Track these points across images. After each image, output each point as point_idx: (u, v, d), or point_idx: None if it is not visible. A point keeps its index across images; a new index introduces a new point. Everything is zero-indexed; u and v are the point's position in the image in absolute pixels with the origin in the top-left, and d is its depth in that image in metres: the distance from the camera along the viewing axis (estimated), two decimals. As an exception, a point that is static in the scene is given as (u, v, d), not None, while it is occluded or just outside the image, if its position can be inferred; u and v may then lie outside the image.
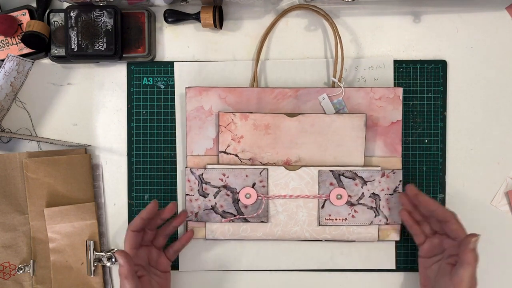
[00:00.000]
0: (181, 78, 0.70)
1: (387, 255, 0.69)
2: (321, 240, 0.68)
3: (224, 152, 0.66)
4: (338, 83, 0.65)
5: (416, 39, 0.69)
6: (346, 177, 0.65)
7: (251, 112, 0.65)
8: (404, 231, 0.67)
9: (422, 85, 0.69)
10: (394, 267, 0.69)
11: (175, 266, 0.70)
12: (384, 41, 0.69)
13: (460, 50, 0.69)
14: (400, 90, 0.65)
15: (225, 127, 0.65)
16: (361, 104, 0.65)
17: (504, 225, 0.69)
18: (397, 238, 0.68)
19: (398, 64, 0.69)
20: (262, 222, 0.66)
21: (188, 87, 0.66)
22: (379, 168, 0.65)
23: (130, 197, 0.71)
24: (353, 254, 0.69)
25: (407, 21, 0.69)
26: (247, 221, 0.66)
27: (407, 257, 0.69)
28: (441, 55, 0.69)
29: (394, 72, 0.69)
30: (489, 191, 0.69)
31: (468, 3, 0.68)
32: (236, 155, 0.66)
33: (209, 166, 0.66)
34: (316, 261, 0.69)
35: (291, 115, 0.65)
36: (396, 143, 0.66)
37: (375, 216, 0.66)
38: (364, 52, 0.69)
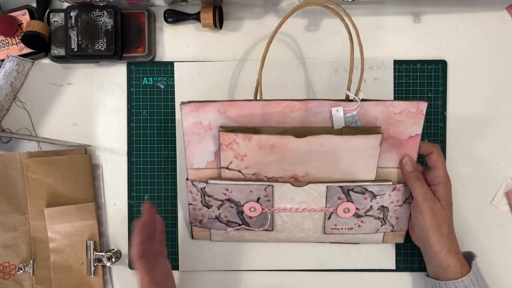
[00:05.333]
0: (181, 78, 0.70)
1: (387, 255, 0.69)
2: (326, 243, 0.68)
3: (227, 168, 0.62)
4: (355, 97, 0.58)
5: (416, 39, 0.69)
6: (355, 192, 0.62)
7: (255, 129, 0.60)
8: (407, 234, 0.67)
9: (422, 85, 0.69)
10: (394, 267, 0.69)
11: (175, 266, 0.70)
12: (384, 41, 0.69)
13: (460, 50, 0.69)
14: (424, 105, 0.58)
15: (226, 145, 0.60)
16: (378, 118, 0.59)
17: (504, 225, 0.69)
18: (402, 241, 0.67)
19: (398, 64, 0.69)
20: (267, 230, 0.66)
21: (183, 103, 0.59)
22: (390, 183, 0.61)
23: (130, 197, 0.71)
24: (353, 254, 0.69)
25: (407, 21, 0.69)
26: (252, 230, 0.66)
27: (407, 257, 0.69)
28: (441, 55, 0.69)
29: (394, 72, 0.69)
30: (489, 191, 0.69)
31: (468, 3, 0.68)
32: (239, 171, 0.62)
33: (211, 181, 0.62)
34: (316, 261, 0.69)
35: (299, 135, 0.58)
36: (412, 155, 0.61)
37: (381, 225, 0.65)
38: (364, 52, 0.69)
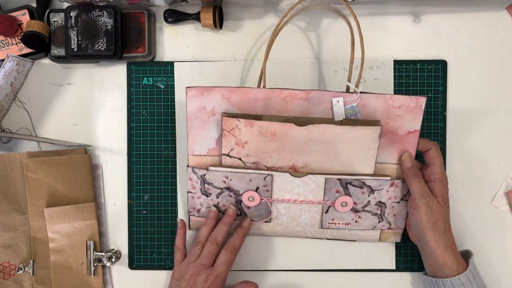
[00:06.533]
0: (181, 78, 0.70)
1: (387, 255, 0.69)
2: (322, 239, 0.68)
3: (227, 155, 0.63)
4: (355, 88, 0.59)
5: (416, 39, 0.69)
6: (353, 185, 0.63)
7: (257, 116, 0.61)
8: (404, 233, 0.67)
9: (422, 85, 0.69)
10: (394, 267, 0.69)
11: (175, 266, 0.70)
12: (384, 41, 0.69)
13: (460, 50, 0.69)
14: (423, 100, 0.59)
15: (228, 131, 0.61)
16: (377, 111, 0.60)
17: (504, 225, 0.69)
18: (398, 240, 0.67)
19: (398, 64, 0.69)
20: (264, 222, 0.66)
21: (188, 87, 0.61)
22: (389, 178, 0.62)
23: (130, 197, 0.71)
24: (353, 254, 0.69)
25: (407, 21, 0.69)
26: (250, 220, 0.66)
27: (407, 257, 0.69)
28: (441, 55, 0.69)
29: (394, 72, 0.69)
30: (489, 191, 0.69)
31: (468, 3, 0.68)
32: (240, 159, 0.63)
33: (211, 168, 0.63)
34: (316, 261, 0.69)
35: (300, 123, 0.60)
36: (411, 151, 0.62)
37: (378, 222, 0.65)
38: (364, 52, 0.69)
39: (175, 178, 0.70)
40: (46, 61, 0.71)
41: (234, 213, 0.65)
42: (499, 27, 0.69)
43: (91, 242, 0.68)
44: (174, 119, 0.70)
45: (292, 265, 0.69)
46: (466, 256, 0.62)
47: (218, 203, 0.66)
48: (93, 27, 0.66)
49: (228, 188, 0.64)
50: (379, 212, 0.65)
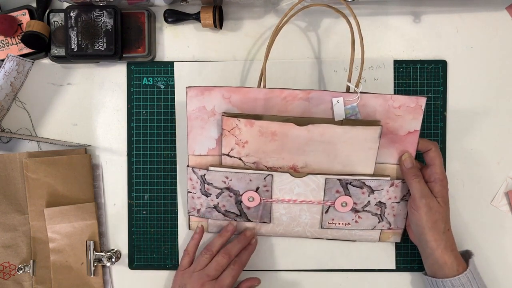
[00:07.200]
0: (181, 78, 0.70)
1: (387, 255, 0.69)
2: (322, 239, 0.68)
3: (228, 155, 0.63)
4: (355, 88, 0.59)
5: (416, 39, 0.69)
6: (353, 185, 0.63)
7: (257, 116, 0.61)
8: (404, 233, 0.67)
9: (422, 85, 0.69)
10: (394, 267, 0.69)
11: (175, 266, 0.70)
12: (384, 41, 0.69)
13: (460, 50, 0.69)
14: (423, 100, 0.60)
15: (228, 131, 0.61)
16: (377, 111, 0.60)
17: (504, 225, 0.69)
18: (398, 240, 0.67)
19: (398, 64, 0.69)
20: (264, 222, 0.66)
21: (189, 86, 0.61)
22: (389, 178, 0.62)
23: (130, 197, 0.71)
24: (353, 254, 0.69)
25: (407, 21, 0.69)
26: (250, 221, 0.66)
27: (407, 257, 0.69)
28: (441, 55, 0.69)
29: (394, 72, 0.69)
30: (489, 191, 0.69)
31: (468, 3, 0.68)
32: (240, 159, 0.63)
33: (211, 168, 0.63)
34: (316, 261, 0.69)
35: (300, 123, 0.60)
36: (411, 152, 0.62)
37: (378, 222, 0.66)
38: (364, 52, 0.69)
39: (175, 178, 0.70)
40: (46, 61, 0.71)
41: (251, 236, 0.67)
42: (499, 27, 0.69)
43: (91, 242, 0.68)
44: (174, 119, 0.70)
45: (292, 265, 0.69)
46: (466, 256, 0.62)
47: (218, 203, 0.66)
48: (93, 27, 0.66)
49: (228, 188, 0.64)
50: (379, 212, 0.65)
